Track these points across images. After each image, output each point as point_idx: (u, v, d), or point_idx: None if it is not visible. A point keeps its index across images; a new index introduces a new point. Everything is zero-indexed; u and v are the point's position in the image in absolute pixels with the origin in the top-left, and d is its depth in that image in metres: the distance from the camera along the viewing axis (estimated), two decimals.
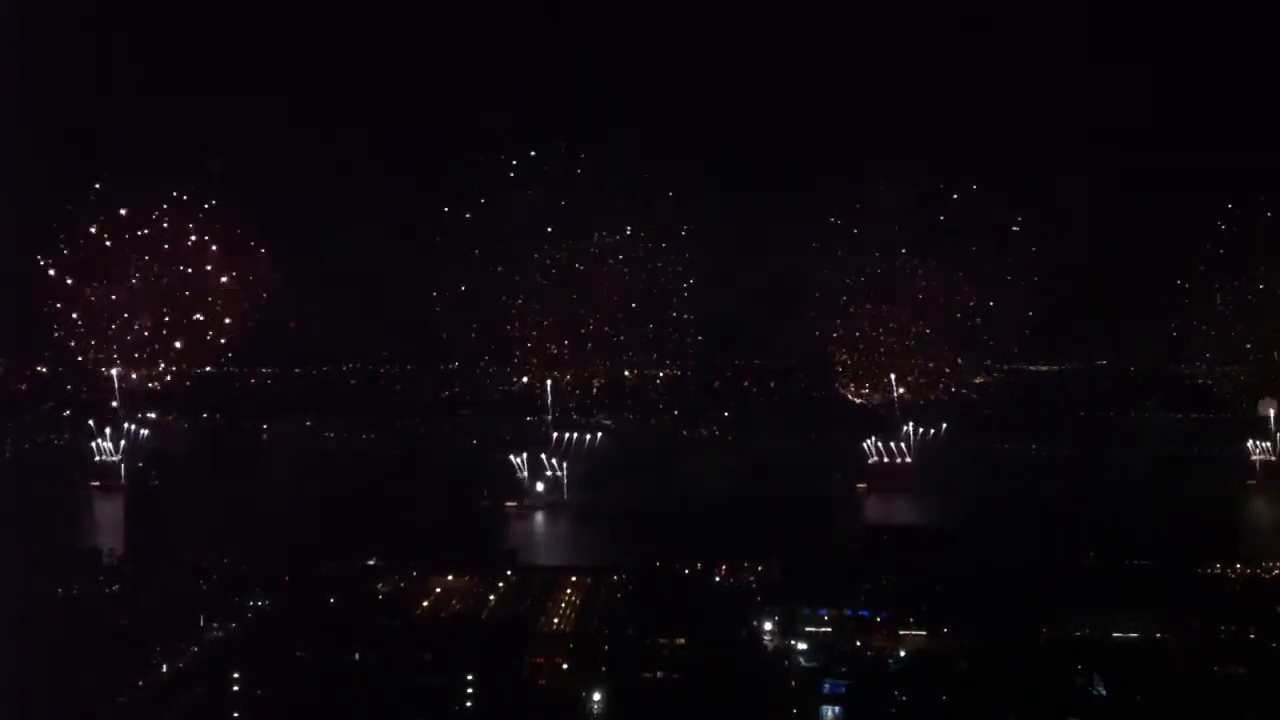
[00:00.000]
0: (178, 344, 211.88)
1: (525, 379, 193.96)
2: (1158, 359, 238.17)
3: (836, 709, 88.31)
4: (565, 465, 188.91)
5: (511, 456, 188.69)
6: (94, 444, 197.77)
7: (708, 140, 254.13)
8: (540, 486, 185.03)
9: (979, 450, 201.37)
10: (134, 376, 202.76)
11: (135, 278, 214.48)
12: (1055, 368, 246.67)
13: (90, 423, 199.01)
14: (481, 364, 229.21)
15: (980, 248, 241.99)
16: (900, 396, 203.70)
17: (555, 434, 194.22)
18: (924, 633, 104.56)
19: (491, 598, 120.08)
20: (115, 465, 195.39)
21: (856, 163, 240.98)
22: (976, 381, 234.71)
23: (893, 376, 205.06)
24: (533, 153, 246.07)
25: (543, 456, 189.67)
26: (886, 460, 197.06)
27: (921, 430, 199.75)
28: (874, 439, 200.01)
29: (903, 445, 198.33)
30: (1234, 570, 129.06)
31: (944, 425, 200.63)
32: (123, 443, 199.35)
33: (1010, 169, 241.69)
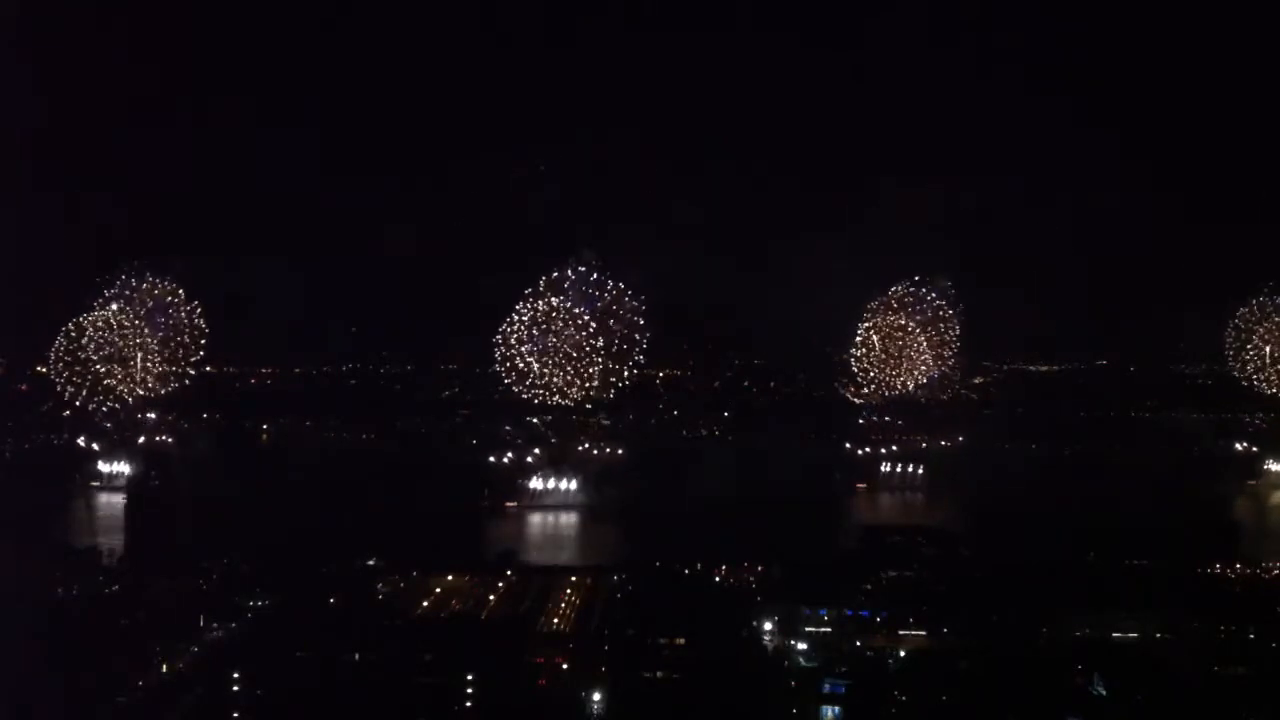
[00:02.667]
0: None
1: (525, 379, 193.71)
2: (1159, 359, 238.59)
3: (836, 709, 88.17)
4: (565, 465, 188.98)
5: (510, 455, 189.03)
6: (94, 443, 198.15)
7: (711, 142, 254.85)
8: (540, 486, 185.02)
9: (979, 450, 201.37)
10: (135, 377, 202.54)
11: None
12: (1055, 368, 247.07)
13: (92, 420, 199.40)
14: (481, 364, 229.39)
15: (982, 248, 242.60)
16: (901, 397, 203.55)
17: (555, 434, 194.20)
18: (924, 633, 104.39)
19: (491, 598, 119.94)
20: (115, 466, 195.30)
21: (859, 165, 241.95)
22: (976, 381, 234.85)
23: (893, 376, 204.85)
24: (535, 154, 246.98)
25: (543, 456, 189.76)
26: (887, 460, 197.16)
27: (921, 430, 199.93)
28: (874, 439, 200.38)
29: (903, 445, 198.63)
30: (1234, 570, 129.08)
31: (944, 425, 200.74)
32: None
33: (1013, 170, 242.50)
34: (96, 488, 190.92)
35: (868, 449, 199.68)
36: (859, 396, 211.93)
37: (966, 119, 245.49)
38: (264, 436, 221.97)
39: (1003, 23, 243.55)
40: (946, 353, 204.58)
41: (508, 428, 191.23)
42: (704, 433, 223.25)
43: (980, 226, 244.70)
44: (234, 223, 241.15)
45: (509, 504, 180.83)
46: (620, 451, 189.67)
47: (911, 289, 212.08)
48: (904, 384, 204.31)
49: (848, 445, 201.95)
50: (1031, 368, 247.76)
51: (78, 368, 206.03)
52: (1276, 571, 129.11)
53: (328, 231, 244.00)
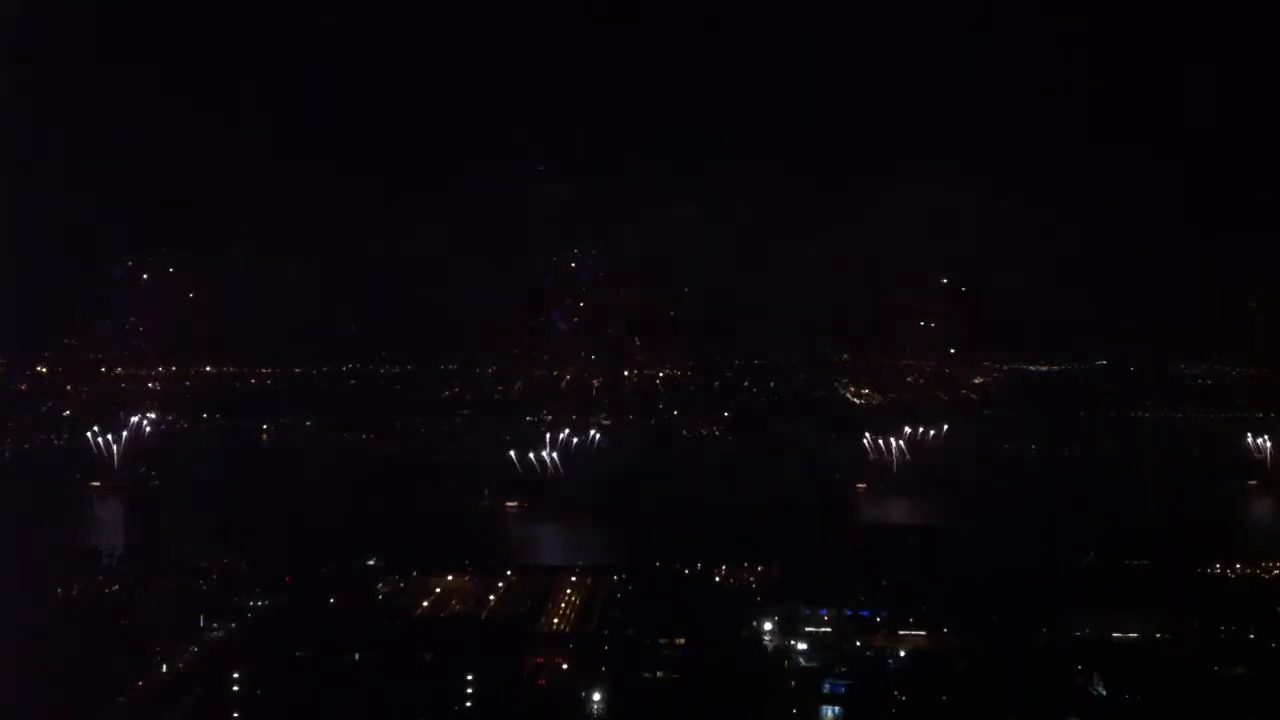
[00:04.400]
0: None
1: (526, 379, 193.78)
2: (1158, 359, 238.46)
3: (836, 709, 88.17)
4: (565, 465, 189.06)
5: (511, 455, 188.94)
6: (94, 442, 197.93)
7: (712, 142, 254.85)
8: (540, 486, 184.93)
9: (979, 450, 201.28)
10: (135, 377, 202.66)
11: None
12: (1055, 368, 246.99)
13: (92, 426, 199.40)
14: (481, 364, 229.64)
15: (983, 248, 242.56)
16: (901, 397, 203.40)
17: (555, 434, 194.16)
18: (924, 633, 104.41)
19: (491, 598, 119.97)
20: (115, 465, 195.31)
21: (859, 164, 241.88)
22: (976, 381, 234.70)
23: (893, 376, 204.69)
24: (535, 153, 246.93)
25: (543, 456, 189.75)
26: (887, 460, 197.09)
27: (921, 430, 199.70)
28: (874, 439, 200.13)
29: (903, 445, 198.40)
30: (1234, 570, 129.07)
31: (944, 425, 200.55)
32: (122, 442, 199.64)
33: (1016, 169, 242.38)
34: (96, 488, 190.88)
35: (868, 449, 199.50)
36: (858, 396, 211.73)
37: (969, 119, 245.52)
38: (264, 436, 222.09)
39: (999, 22, 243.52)
40: (950, 344, 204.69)
41: (508, 438, 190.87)
42: (704, 433, 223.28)
43: (981, 227, 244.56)
44: (234, 223, 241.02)
45: (509, 504, 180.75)
46: (620, 451, 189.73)
47: (917, 280, 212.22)
48: (904, 378, 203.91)
49: (848, 445, 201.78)
50: (1031, 368, 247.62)
51: (77, 369, 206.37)
52: (1276, 571, 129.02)
53: (328, 232, 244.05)
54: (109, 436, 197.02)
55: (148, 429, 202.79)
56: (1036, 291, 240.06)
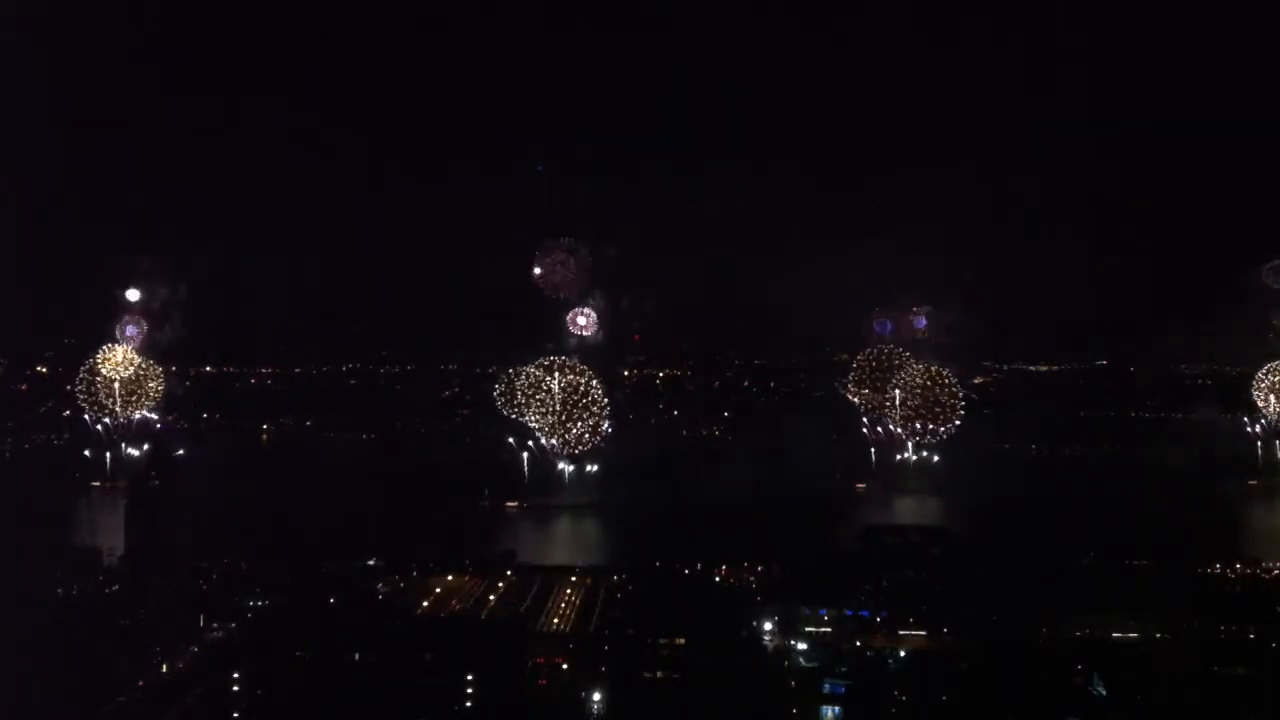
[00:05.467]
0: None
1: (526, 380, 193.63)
2: (1159, 359, 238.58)
3: (836, 709, 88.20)
4: (564, 466, 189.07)
5: (511, 444, 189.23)
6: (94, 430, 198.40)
7: (713, 141, 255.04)
8: (540, 487, 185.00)
9: (979, 450, 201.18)
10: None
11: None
12: (1055, 368, 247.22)
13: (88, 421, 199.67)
14: (481, 364, 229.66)
15: (984, 248, 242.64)
16: (901, 397, 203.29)
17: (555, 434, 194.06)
18: (924, 633, 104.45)
19: (491, 598, 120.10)
20: (115, 465, 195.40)
21: (861, 166, 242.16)
22: (976, 381, 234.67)
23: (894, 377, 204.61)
24: (535, 153, 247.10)
25: (544, 456, 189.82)
26: (887, 460, 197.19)
27: (922, 430, 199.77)
28: (875, 438, 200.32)
29: (903, 444, 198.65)
30: (1234, 570, 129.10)
31: (944, 425, 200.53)
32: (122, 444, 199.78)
33: (1017, 169, 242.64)
34: (96, 488, 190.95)
35: (868, 448, 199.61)
36: (859, 396, 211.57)
37: (970, 119, 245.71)
38: (264, 436, 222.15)
39: (1005, 27, 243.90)
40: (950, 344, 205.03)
41: (510, 440, 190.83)
42: (704, 433, 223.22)
43: (980, 228, 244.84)
44: (234, 222, 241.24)
45: (509, 504, 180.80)
46: (620, 451, 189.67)
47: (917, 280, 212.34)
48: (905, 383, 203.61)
49: (848, 445, 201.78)
50: (1031, 368, 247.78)
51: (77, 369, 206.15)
52: (1276, 571, 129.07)
53: (329, 231, 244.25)
54: (108, 426, 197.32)
55: (148, 428, 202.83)
56: (1036, 291, 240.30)
